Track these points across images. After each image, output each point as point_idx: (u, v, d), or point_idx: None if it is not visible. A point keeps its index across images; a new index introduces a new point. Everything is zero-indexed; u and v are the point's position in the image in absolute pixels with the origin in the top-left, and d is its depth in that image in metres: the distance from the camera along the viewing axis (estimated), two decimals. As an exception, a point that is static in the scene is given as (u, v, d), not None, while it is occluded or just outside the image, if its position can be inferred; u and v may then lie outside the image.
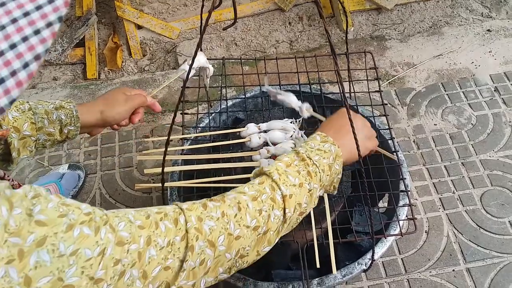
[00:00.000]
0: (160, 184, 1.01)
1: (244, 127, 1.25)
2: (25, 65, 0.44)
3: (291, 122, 1.25)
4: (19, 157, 0.91)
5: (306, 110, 1.16)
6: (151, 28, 2.39)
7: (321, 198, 1.12)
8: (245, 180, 1.14)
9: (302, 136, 1.24)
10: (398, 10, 2.47)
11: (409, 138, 1.94)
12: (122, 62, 2.32)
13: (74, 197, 1.75)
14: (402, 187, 1.19)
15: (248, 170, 1.17)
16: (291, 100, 1.19)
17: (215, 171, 1.18)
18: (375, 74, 1.36)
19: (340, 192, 1.18)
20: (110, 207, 1.74)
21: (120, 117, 1.06)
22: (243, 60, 1.44)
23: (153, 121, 2.02)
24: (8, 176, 1.21)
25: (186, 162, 1.22)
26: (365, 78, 1.40)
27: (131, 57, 2.35)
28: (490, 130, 1.95)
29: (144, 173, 1.82)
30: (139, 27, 2.41)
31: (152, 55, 2.37)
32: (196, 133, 1.32)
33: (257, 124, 1.26)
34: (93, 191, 1.79)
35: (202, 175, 1.16)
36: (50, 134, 0.95)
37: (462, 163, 1.85)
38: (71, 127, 0.97)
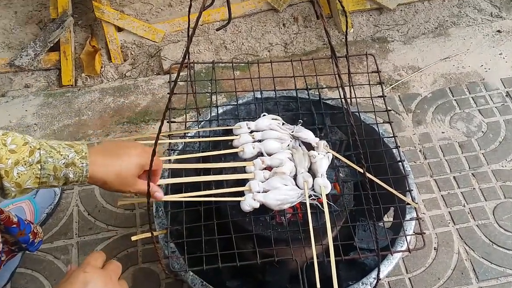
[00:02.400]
0: (144, 199, 1.01)
1: (236, 134, 1.26)
2: None
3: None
4: (13, 198, 0.93)
5: (323, 147, 1.22)
6: (132, 30, 2.41)
7: (321, 212, 1.13)
8: (238, 194, 1.15)
9: (299, 145, 1.26)
10: (401, 10, 2.51)
11: (415, 147, 1.95)
12: (101, 67, 2.32)
13: (50, 215, 1.74)
14: (409, 200, 1.21)
15: (242, 182, 1.18)
16: (308, 136, 1.25)
17: (205, 183, 1.19)
18: (378, 78, 1.38)
19: (342, 206, 1.19)
20: (89, 226, 1.74)
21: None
22: (234, 64, 1.45)
23: (136, 131, 2.02)
24: None
25: (173, 175, 1.22)
26: (367, 83, 1.42)
27: (111, 62, 2.36)
28: (502, 138, 1.98)
29: (126, 188, 1.82)
30: (119, 29, 2.42)
31: (134, 59, 2.38)
32: (184, 142, 1.33)
33: (248, 124, 1.27)
34: (70, 209, 1.79)
35: (191, 188, 1.17)
36: (51, 186, 0.95)
37: (472, 173, 1.87)
38: (75, 184, 0.97)
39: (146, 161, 1.00)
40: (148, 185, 0.94)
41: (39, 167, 0.91)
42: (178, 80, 1.12)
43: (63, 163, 0.93)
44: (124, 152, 1.01)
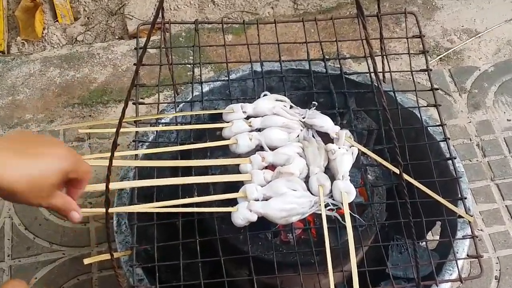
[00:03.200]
0: (102, 210, 1.01)
1: (227, 121, 1.26)
2: None
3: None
4: None
5: (346, 139, 1.21)
6: (87, -22, 2.40)
7: (342, 228, 1.13)
8: (229, 203, 1.15)
9: (313, 136, 1.26)
10: (453, -48, 2.50)
11: (470, 140, 1.96)
12: (44, 29, 2.32)
13: (-28, 229, 1.75)
14: (461, 211, 1.21)
15: (234, 186, 1.18)
16: (325, 123, 1.24)
17: (184, 188, 1.18)
18: (420, 45, 1.38)
19: (371, 219, 1.19)
20: (27, 244, 1.74)
21: None
22: (225, 26, 1.45)
23: (91, 116, 2.02)
24: None
25: (141, 175, 1.22)
26: (406, 52, 1.42)
27: (57, 21, 2.35)
28: None
29: (77, 194, 1.82)
30: (69, -24, 2.42)
31: (88, 18, 2.37)
32: (157, 131, 1.33)
33: (244, 107, 1.27)
34: (0, 221, 1.79)
35: (166, 194, 1.17)
36: None
37: (548, 176, 1.88)
38: None
39: (72, 166, 0.94)
40: (107, 188, 0.94)
41: None
42: (149, 46, 1.11)
43: None
44: (42, 152, 0.94)
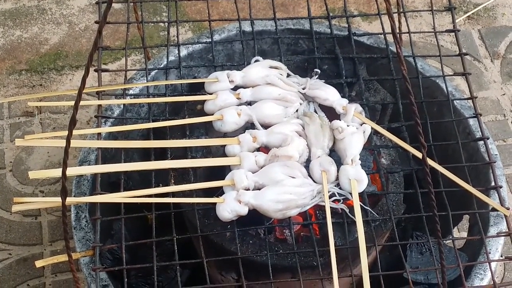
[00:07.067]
0: (57, 200, 1.01)
1: (210, 93, 1.25)
2: None
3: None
4: None
5: (355, 115, 1.21)
6: None
7: (350, 223, 1.13)
8: (214, 192, 1.15)
9: (315, 111, 1.25)
10: None
11: (504, 116, 1.96)
12: (-17, -23, 2.30)
13: None
14: (495, 203, 1.21)
15: (219, 173, 1.17)
16: (330, 96, 1.24)
17: (158, 174, 1.18)
18: (445, 0, 1.37)
19: (386, 213, 1.19)
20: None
21: None
22: (206, -25, 1.44)
23: (42, 86, 2.01)
24: None
25: (105, 159, 1.22)
26: (427, 8, 1.41)
27: (0, -32, 2.34)
28: None
29: (26, 180, 1.82)
30: None
31: (38, -35, 2.36)
32: (124, 105, 1.32)
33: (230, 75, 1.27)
34: None
35: (135, 182, 1.17)
36: None
37: None
38: None
39: None
40: (64, 175, 0.93)
41: None
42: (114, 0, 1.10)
43: None
44: None
